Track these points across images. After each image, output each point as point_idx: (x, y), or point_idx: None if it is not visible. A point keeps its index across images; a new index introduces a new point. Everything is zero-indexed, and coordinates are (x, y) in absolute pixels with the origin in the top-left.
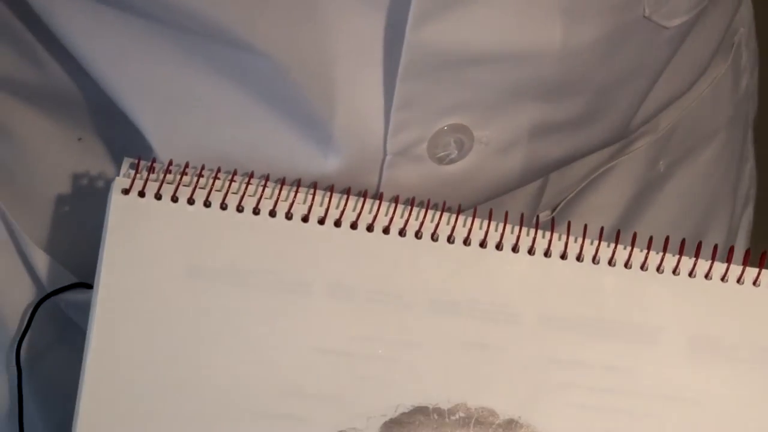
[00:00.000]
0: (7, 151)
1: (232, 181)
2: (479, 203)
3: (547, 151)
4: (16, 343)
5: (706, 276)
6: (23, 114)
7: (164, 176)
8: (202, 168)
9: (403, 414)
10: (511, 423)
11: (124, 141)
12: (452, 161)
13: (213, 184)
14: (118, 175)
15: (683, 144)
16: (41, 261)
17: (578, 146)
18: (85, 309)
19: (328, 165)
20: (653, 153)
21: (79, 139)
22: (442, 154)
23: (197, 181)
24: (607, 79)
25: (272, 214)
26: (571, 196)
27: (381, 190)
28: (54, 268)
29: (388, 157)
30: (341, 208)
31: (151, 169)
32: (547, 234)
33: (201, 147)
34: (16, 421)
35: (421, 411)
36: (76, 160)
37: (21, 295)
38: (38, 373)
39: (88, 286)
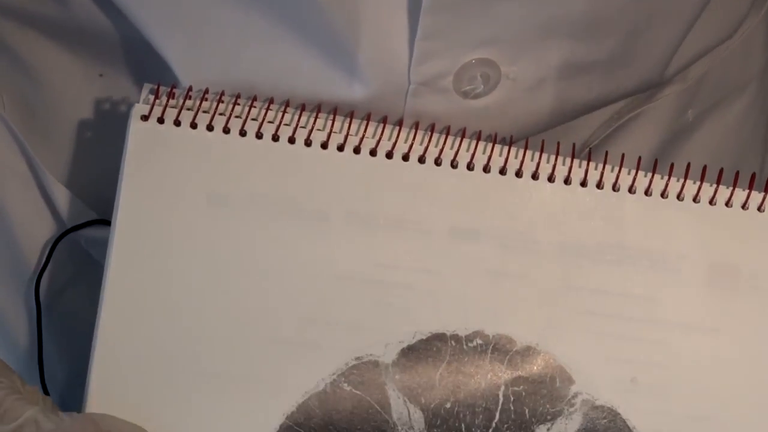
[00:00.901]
0: (28, 86)
1: (251, 107)
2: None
3: (576, 93)
4: (36, 278)
5: (727, 203)
6: (45, 49)
7: (183, 102)
8: (222, 94)
9: (421, 341)
10: (528, 350)
11: (146, 77)
12: (478, 96)
13: (233, 110)
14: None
15: (713, 94)
16: (61, 196)
17: (609, 90)
18: (104, 245)
19: (354, 92)
20: (682, 102)
21: (101, 75)
22: (468, 88)
23: (217, 107)
24: (639, 20)
25: (292, 140)
26: (596, 143)
27: (405, 120)
28: (74, 204)
29: (412, 86)
30: (361, 134)
31: (170, 96)
32: (568, 161)
33: (226, 75)
34: (35, 357)
35: (438, 338)
36: (97, 96)
37: (41, 231)
38: (57, 309)
39: (108, 222)
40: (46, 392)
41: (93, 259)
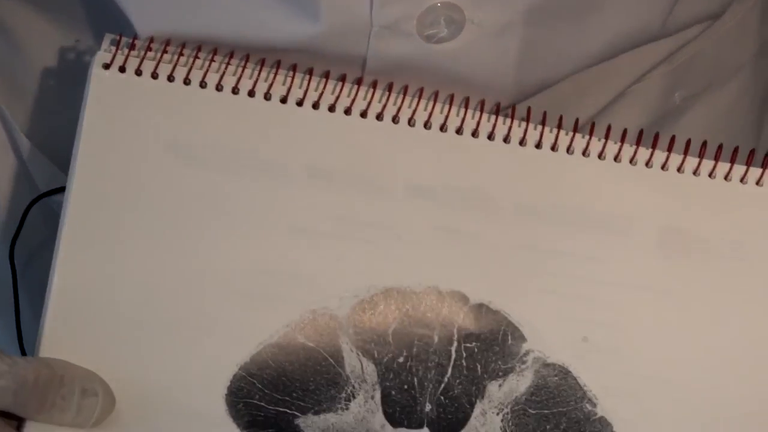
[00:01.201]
0: (5, 50)
1: (212, 60)
2: (474, 93)
3: (544, 39)
4: (10, 243)
5: (679, 169)
6: (22, 13)
7: (145, 52)
8: (183, 45)
9: (375, 295)
10: (481, 307)
11: None
12: (442, 40)
13: (193, 62)
14: None
15: (703, 77)
16: (36, 161)
17: (579, 42)
18: None
19: (314, 31)
20: (668, 84)
21: (77, 41)
22: (432, 32)
23: (178, 59)
24: None
25: (251, 93)
26: (580, 124)
27: (368, 63)
28: (48, 169)
29: (374, 29)
30: (320, 90)
31: (132, 46)
32: (523, 123)
33: (186, 22)
34: (11, 318)
35: (392, 293)
36: (72, 62)
37: (14, 195)
38: (32, 272)
39: None
40: (23, 354)
41: None
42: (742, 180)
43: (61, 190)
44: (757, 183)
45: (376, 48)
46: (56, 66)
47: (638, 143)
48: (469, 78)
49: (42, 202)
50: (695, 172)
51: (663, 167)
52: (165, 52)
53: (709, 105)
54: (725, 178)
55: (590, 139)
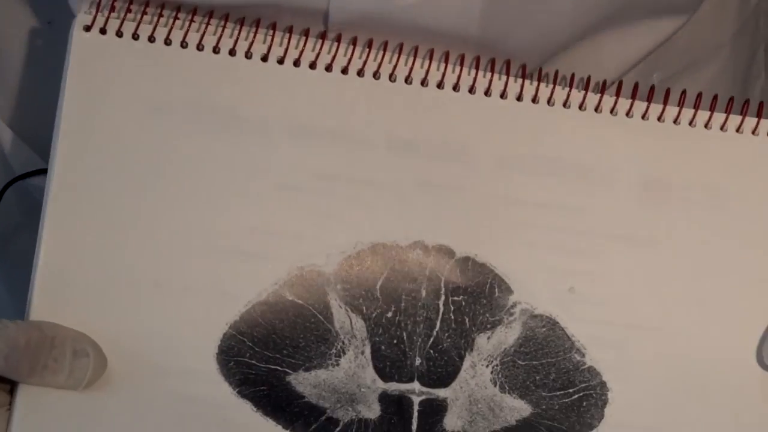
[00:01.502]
0: None
1: (191, 20)
2: (439, 45)
3: None
4: None
5: (659, 118)
6: None
7: (125, 14)
8: (163, 6)
9: (362, 251)
10: (467, 260)
11: None
12: None
13: (174, 22)
14: None
15: (681, 57)
16: (10, 144)
17: None
18: None
19: None
20: (648, 64)
21: (49, 23)
22: None
23: (158, 19)
24: None
25: (232, 52)
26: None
27: (330, 16)
28: (23, 152)
29: None
30: (300, 48)
31: (112, 8)
32: (503, 76)
33: None
34: None
35: (379, 248)
36: (45, 43)
37: None
38: (7, 254)
39: None
40: None
41: (41, 206)
42: (722, 128)
43: (39, 172)
44: (737, 130)
45: (337, 1)
46: (29, 49)
47: (618, 94)
48: (434, 30)
49: (18, 186)
50: (676, 121)
51: (643, 117)
52: (145, 12)
53: (688, 85)
54: (706, 126)
55: (570, 90)
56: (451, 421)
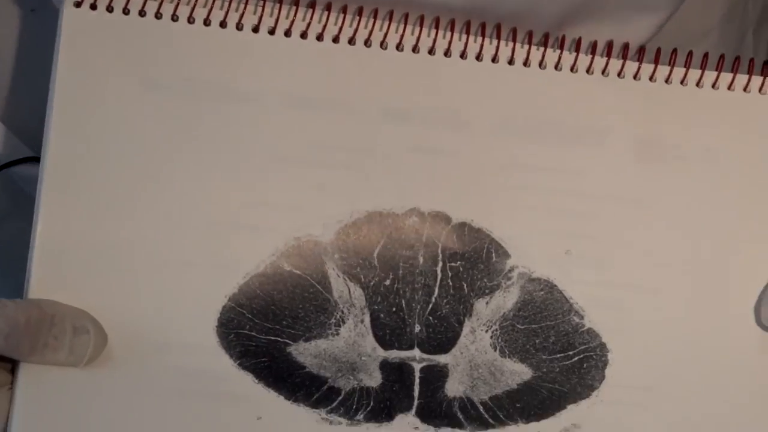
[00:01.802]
0: None
1: None
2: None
3: None
4: None
5: (651, 78)
6: None
7: None
8: None
9: (358, 219)
10: (464, 226)
11: None
12: None
13: None
14: None
15: (670, 42)
16: None
17: None
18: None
19: None
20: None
21: (33, 11)
22: None
23: None
24: None
25: (223, 24)
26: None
27: None
28: (9, 139)
29: None
30: (291, 18)
31: None
32: (494, 41)
33: None
34: None
35: (375, 216)
36: (30, 31)
37: None
38: None
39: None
40: None
41: (26, 194)
42: (714, 86)
43: (24, 161)
44: (729, 88)
45: None
46: (11, 37)
47: (609, 55)
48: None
49: (3, 175)
50: (667, 80)
51: (635, 77)
52: None
53: None
54: (697, 84)
55: (562, 52)
56: (452, 386)
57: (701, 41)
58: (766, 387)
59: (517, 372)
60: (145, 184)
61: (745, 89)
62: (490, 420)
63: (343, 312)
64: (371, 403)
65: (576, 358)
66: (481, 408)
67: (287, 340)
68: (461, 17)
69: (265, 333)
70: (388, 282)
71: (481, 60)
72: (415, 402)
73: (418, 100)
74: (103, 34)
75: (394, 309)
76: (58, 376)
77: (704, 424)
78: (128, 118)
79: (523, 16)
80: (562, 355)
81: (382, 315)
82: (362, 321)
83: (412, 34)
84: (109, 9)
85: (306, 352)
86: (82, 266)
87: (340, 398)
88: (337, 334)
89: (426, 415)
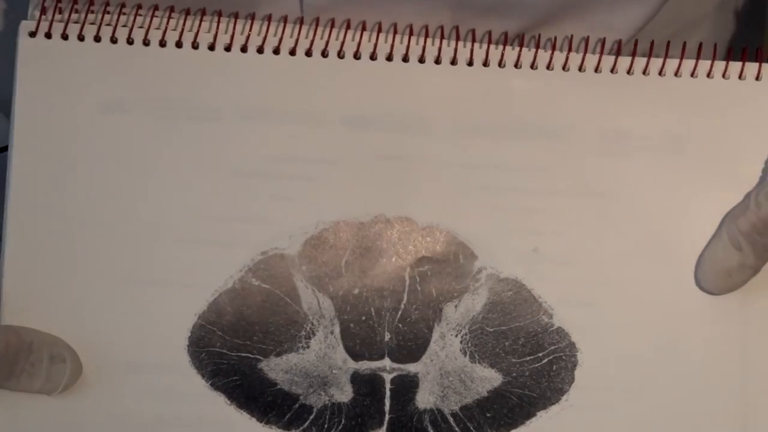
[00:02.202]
0: None
1: (137, 14)
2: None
3: None
4: None
5: (612, 70)
6: None
7: (69, 15)
8: (107, 4)
9: (324, 230)
10: (430, 230)
11: None
12: None
13: (118, 19)
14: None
15: (663, 30)
16: None
17: None
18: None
19: None
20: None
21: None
22: None
23: (102, 18)
24: None
25: (179, 44)
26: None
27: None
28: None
29: None
30: (246, 33)
31: (56, 9)
32: (452, 43)
33: None
34: None
35: (341, 226)
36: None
37: None
38: None
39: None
40: None
41: None
42: (676, 74)
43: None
44: (692, 75)
45: None
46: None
47: (569, 50)
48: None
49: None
50: (629, 71)
51: (596, 70)
52: (90, 11)
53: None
54: (660, 73)
55: (521, 50)
56: (423, 397)
57: (696, 28)
58: (746, 386)
59: (487, 378)
60: (109, 207)
61: (708, 75)
62: None
63: (312, 323)
64: (342, 421)
65: (545, 360)
66: (451, 420)
67: (258, 356)
68: (446, 11)
69: (236, 349)
70: (356, 291)
71: (440, 63)
72: (386, 417)
73: (379, 106)
74: (60, 62)
75: (363, 318)
76: (32, 402)
77: (677, 425)
78: (89, 141)
79: (510, 10)
80: (532, 357)
81: (351, 324)
82: (332, 332)
83: (369, 41)
84: (64, 37)
85: (277, 368)
86: (52, 291)
87: (312, 417)
88: (308, 346)
89: (397, 431)
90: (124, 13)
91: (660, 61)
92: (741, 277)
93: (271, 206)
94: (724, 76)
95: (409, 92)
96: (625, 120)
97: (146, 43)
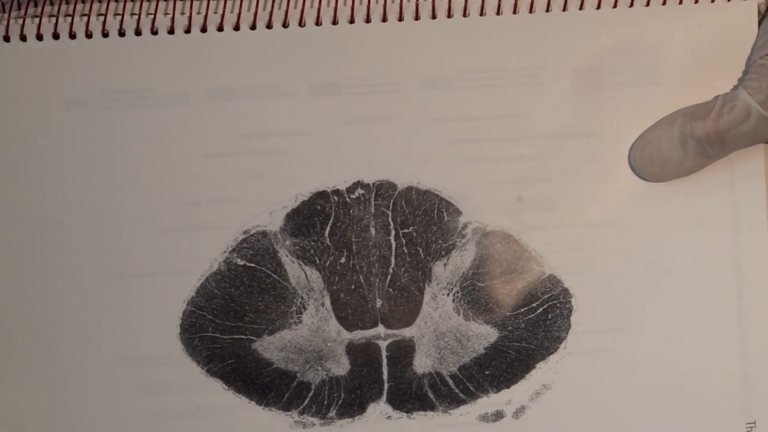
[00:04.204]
0: None
1: (91, 3)
2: None
3: None
4: None
5: (580, 7)
6: None
7: (25, 14)
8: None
9: (304, 202)
10: (410, 190)
11: None
12: None
13: (73, 11)
14: None
15: None
16: None
17: None
18: None
19: None
20: None
21: None
22: None
23: (58, 13)
24: None
25: (138, 32)
26: None
27: None
28: None
29: None
30: (204, 13)
31: (11, 9)
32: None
33: None
34: None
35: (320, 196)
36: None
37: None
38: None
39: None
40: None
41: None
42: (647, 4)
43: None
44: (664, 3)
45: None
46: None
47: None
48: None
49: None
50: (598, 7)
51: (563, 8)
52: (46, 4)
53: None
54: (629, 6)
55: None
56: (420, 361)
57: None
58: (743, 309)
59: (483, 335)
60: (86, 203)
61: (680, 2)
62: (461, 395)
63: (302, 298)
64: (342, 395)
65: (540, 310)
66: (451, 382)
67: (251, 336)
68: None
69: (229, 332)
70: (343, 260)
71: (403, 20)
72: (385, 386)
73: (344, 71)
74: (21, 63)
75: (353, 286)
76: (28, 400)
77: (676, 357)
78: (57, 139)
79: None
80: (526, 308)
81: (342, 295)
82: (323, 304)
83: (328, 5)
84: (23, 38)
85: (271, 347)
86: (35, 290)
87: (311, 394)
88: (300, 321)
89: (397, 400)
90: (83, 1)
91: None
92: (674, 172)
93: (248, 184)
94: (696, 2)
95: (374, 53)
96: (594, 56)
97: (105, 34)
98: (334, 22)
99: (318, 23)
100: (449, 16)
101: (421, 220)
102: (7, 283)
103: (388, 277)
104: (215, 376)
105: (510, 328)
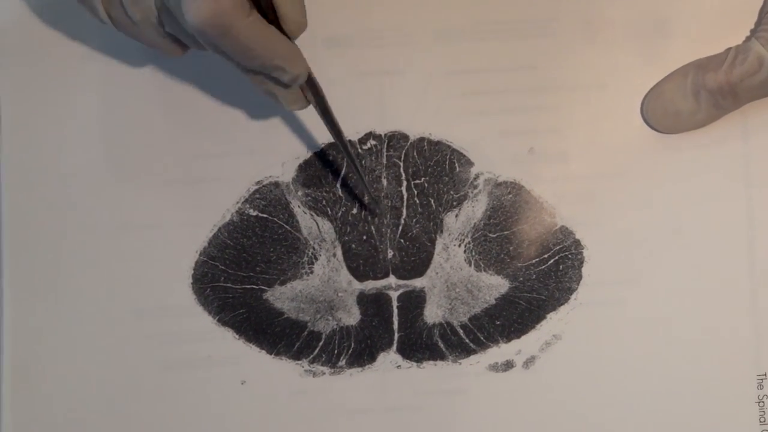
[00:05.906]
0: None
1: None
2: None
3: None
4: None
5: None
6: None
7: None
8: None
9: (316, 153)
10: (422, 141)
11: None
12: None
13: None
14: None
15: None
16: None
17: None
18: None
19: None
20: None
21: None
22: None
23: None
24: None
25: None
26: None
27: None
28: None
29: None
30: None
31: None
32: None
33: None
34: None
35: (332, 147)
36: None
37: None
38: None
39: None
40: None
41: None
42: None
43: None
44: None
45: None
46: None
47: None
48: None
49: None
50: None
51: None
52: None
53: None
54: None
55: None
56: (431, 311)
57: None
58: (754, 260)
59: (494, 285)
60: (98, 154)
61: None
62: (471, 344)
63: (314, 248)
64: (352, 345)
65: (551, 261)
66: (461, 332)
67: (263, 287)
68: None
69: (240, 282)
70: (354, 210)
71: None
72: (396, 336)
73: (357, 23)
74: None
75: (364, 237)
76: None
77: (688, 312)
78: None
79: None
80: (538, 259)
81: (353, 245)
82: (334, 255)
83: None
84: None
85: (283, 297)
86: (51, 243)
87: (321, 343)
88: (311, 272)
89: (407, 349)
90: None
91: None
92: (686, 124)
93: (260, 135)
94: None
95: (387, 5)
96: (607, 7)
97: None
98: None
99: None
100: None
101: (433, 170)
102: (21, 234)
103: (400, 227)
104: (226, 326)
105: (521, 278)
